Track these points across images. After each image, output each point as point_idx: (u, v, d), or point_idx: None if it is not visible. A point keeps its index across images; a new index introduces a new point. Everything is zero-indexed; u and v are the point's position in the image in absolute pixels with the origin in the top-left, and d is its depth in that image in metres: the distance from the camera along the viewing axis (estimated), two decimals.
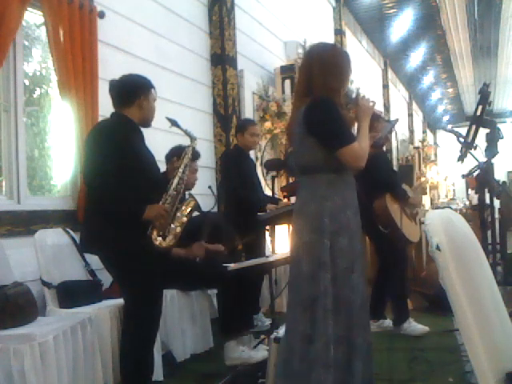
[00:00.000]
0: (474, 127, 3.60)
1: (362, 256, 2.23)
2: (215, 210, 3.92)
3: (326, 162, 2.14)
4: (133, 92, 2.60)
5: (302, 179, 2.27)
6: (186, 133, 2.73)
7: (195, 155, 3.47)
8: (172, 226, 2.54)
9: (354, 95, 2.33)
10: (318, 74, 2.20)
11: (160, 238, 2.49)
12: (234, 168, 3.98)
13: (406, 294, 3.96)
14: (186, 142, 2.81)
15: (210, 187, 3.73)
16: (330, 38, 8.75)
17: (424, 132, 18.45)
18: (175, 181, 2.59)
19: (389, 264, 3.84)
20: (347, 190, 2.21)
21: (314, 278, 2.08)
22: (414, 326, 3.76)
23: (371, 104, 2.31)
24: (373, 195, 3.70)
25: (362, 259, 2.21)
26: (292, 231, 2.28)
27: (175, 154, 3.27)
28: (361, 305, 2.13)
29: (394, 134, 3.56)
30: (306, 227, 2.16)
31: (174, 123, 2.71)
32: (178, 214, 2.58)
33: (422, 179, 4.25)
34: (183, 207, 2.62)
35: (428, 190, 13.24)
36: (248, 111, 5.45)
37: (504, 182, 3.94)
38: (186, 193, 3.32)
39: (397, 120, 2.46)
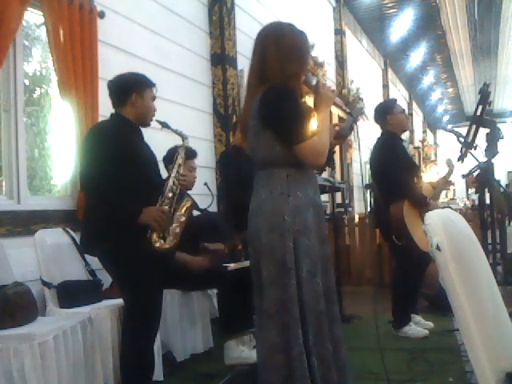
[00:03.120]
0: (474, 127, 3.60)
1: (324, 258, 2.05)
2: (213, 208, 3.92)
3: (285, 157, 1.96)
4: (124, 90, 2.59)
5: (258, 174, 2.06)
6: (177, 133, 2.71)
7: (192, 154, 3.45)
8: (171, 226, 2.54)
9: (314, 82, 2.09)
10: (274, 60, 1.97)
11: (161, 241, 2.49)
12: (233, 168, 3.97)
13: (413, 303, 3.90)
14: (190, 141, 2.80)
15: (205, 184, 3.70)
16: (330, 38, 8.77)
17: (424, 132, 18.46)
18: (170, 182, 2.58)
19: (401, 270, 3.82)
20: (309, 186, 2.04)
21: (279, 284, 1.92)
22: (414, 329, 3.75)
23: (333, 93, 2.08)
24: (390, 199, 3.61)
25: (324, 262, 2.04)
26: (249, 233, 2.05)
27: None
28: (325, 312, 1.98)
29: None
30: (265, 227, 1.96)
31: (164, 125, 2.71)
32: (177, 215, 2.58)
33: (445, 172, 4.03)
34: (180, 207, 2.62)
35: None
36: None
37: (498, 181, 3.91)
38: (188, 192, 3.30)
39: (361, 109, 2.34)
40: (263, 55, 2.02)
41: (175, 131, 2.71)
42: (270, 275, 1.94)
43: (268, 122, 1.97)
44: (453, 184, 4.02)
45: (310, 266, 1.96)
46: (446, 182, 3.99)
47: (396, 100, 4.13)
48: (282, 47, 1.99)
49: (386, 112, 3.86)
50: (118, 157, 2.41)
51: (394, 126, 3.84)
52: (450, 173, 3.98)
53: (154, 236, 2.47)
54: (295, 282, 1.92)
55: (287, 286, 1.91)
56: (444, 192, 16.70)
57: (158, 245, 2.47)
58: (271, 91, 1.96)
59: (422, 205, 3.60)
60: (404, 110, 3.98)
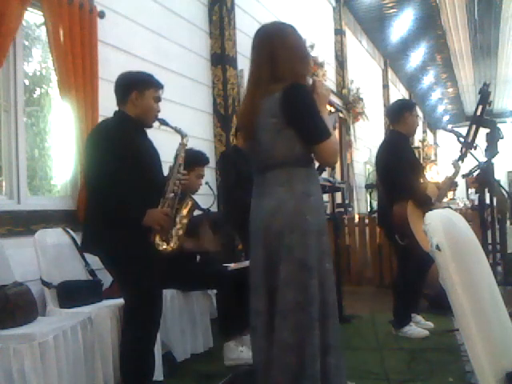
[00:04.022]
0: (473, 127, 3.60)
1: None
2: (215, 208, 3.92)
3: (303, 156, 1.98)
4: (125, 88, 2.59)
5: (274, 173, 2.01)
6: (176, 130, 2.70)
7: (203, 161, 3.44)
8: (174, 228, 2.53)
9: (310, 82, 2.10)
10: (286, 59, 1.98)
11: (164, 243, 2.49)
12: (232, 168, 3.97)
13: (414, 303, 3.89)
14: (190, 141, 2.80)
15: (207, 183, 3.70)
16: (330, 38, 8.77)
17: (424, 132, 18.45)
18: (171, 183, 2.57)
19: (403, 270, 3.81)
20: (319, 185, 2.10)
21: (298, 284, 1.90)
22: (415, 330, 3.73)
23: (328, 91, 2.09)
24: (394, 199, 3.60)
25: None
26: (265, 234, 2.01)
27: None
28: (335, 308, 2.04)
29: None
30: (287, 227, 1.94)
31: (162, 122, 2.70)
32: (179, 216, 2.57)
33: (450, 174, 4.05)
34: (183, 208, 2.61)
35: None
36: None
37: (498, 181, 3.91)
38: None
39: (336, 112, 2.32)
40: (272, 54, 2.00)
41: (174, 128, 2.70)
42: (289, 275, 1.92)
43: (292, 119, 1.95)
44: (457, 186, 4.03)
45: (329, 263, 2.00)
46: (451, 183, 3.99)
47: (416, 104, 4.12)
48: (289, 47, 2.01)
49: (405, 109, 3.83)
50: (122, 156, 2.41)
51: (406, 127, 3.81)
52: (455, 174, 3.98)
53: (157, 238, 2.47)
54: (317, 281, 1.92)
55: (307, 286, 1.91)
56: None
57: (161, 248, 2.48)
58: (295, 89, 1.95)
59: (427, 205, 3.57)
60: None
